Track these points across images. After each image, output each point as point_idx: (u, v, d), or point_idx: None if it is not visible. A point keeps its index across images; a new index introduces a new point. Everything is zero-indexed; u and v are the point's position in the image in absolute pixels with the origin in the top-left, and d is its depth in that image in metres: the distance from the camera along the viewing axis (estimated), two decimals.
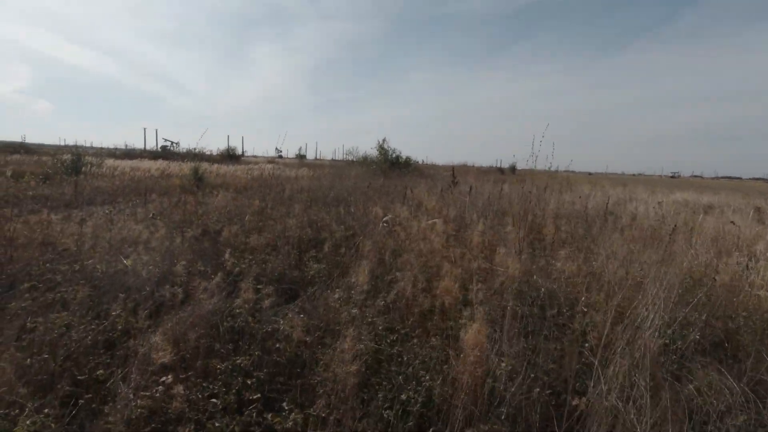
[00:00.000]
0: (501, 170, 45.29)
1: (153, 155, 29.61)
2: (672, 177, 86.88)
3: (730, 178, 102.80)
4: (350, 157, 28.16)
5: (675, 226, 5.20)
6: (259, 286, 3.87)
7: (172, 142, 51.50)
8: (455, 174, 24.24)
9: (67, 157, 13.10)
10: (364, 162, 24.37)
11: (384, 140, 23.66)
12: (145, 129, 58.91)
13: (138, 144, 51.12)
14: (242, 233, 5.66)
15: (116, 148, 38.81)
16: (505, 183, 22.34)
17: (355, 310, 3.62)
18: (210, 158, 32.51)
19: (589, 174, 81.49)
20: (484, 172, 41.59)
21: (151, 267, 3.72)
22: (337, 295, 3.96)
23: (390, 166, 22.53)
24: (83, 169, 13.02)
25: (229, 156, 38.13)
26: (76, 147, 15.54)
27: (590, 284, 3.62)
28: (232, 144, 45.62)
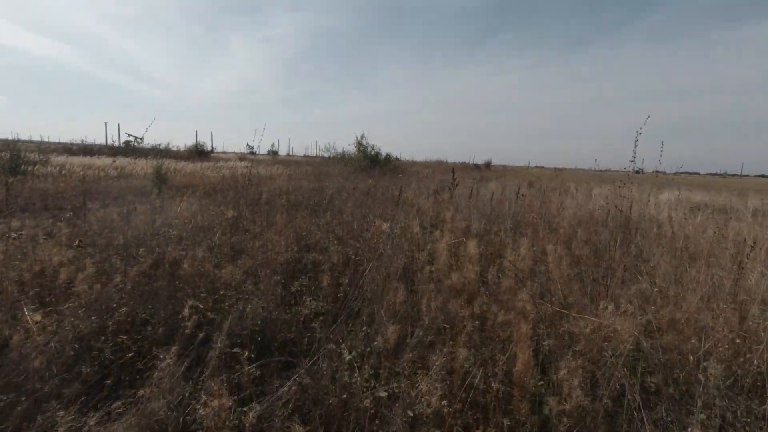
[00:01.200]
0: (477, 166, 44.74)
1: (114, 151, 27.21)
2: (636, 173, 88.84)
3: (689, 173, 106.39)
4: (327, 154, 26.71)
5: (754, 242, 4.21)
6: (235, 350, 2.61)
7: (136, 138, 48.38)
8: (437, 173, 23.12)
9: (4, 154, 11.21)
10: (343, 159, 22.99)
11: (363, 136, 22.37)
12: (106, 123, 55.27)
13: (100, 139, 47.77)
14: (211, 258, 4.32)
15: (72, 144, 35.82)
16: (490, 181, 21.49)
17: (382, 393, 2.41)
18: (176, 155, 30.37)
19: (559, 169, 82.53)
20: (461, 169, 41.01)
21: (56, 342, 2.36)
22: (349, 356, 2.75)
23: (370, 164, 21.26)
24: (23, 168, 11.17)
25: (198, 152, 35.88)
26: (17, 142, 13.53)
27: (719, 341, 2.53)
28: (202, 139, 43.22)
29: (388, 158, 22.66)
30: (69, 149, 28.98)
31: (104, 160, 17.58)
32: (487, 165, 47.28)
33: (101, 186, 10.65)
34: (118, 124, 51.36)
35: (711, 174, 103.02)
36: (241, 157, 34.05)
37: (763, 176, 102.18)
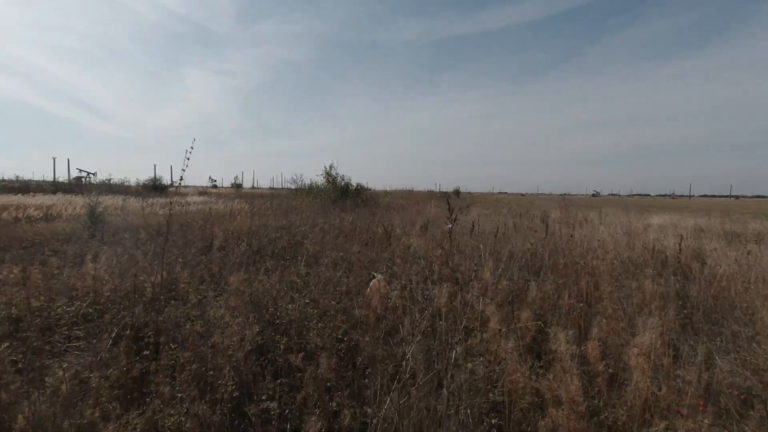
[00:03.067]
0: (446, 194, 44.03)
1: (56, 188, 24.36)
2: (593, 195, 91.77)
3: (640, 195, 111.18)
4: (294, 186, 24.95)
5: None
6: None
7: (88, 173, 44.94)
8: (411, 203, 21.73)
9: None
10: (311, 191, 21.29)
11: (332, 166, 20.84)
12: (54, 159, 51.44)
13: (49, 175, 43.91)
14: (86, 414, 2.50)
15: (11, 181, 32.39)
16: (467, 209, 20.31)
17: None
18: (127, 190, 27.74)
19: (522, 195, 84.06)
20: (429, 197, 40.05)
21: None
22: None
23: (340, 195, 19.67)
24: None
25: (154, 187, 33.26)
26: None
27: None
28: (160, 173, 40.40)
29: (360, 189, 21.15)
30: (6, 187, 25.84)
31: (36, 199, 15.14)
32: (456, 192, 46.71)
33: (13, 232, 8.49)
34: (68, 159, 47.72)
35: (660, 195, 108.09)
36: (202, 191, 31.66)
37: (706, 196, 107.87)
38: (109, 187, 26.99)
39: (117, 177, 34.48)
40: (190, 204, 15.73)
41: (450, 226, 6.22)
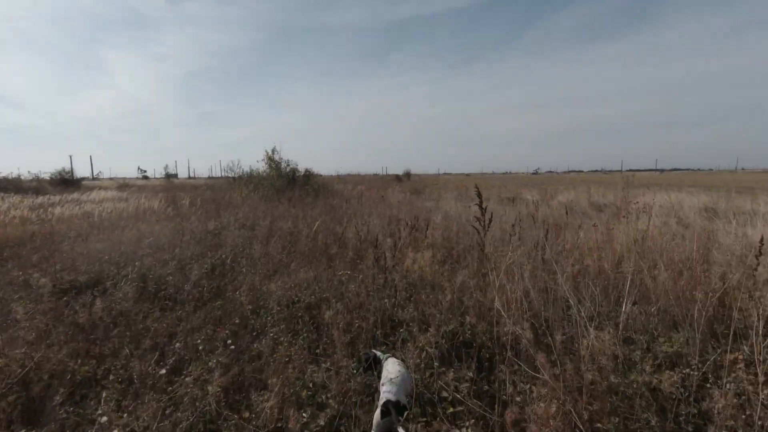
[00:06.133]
0: (398, 177, 41.61)
1: None
2: (534, 174, 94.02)
3: (575, 171, 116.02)
4: (231, 174, 21.15)
5: None
6: None
7: None
8: (372, 190, 19.04)
9: None
10: (251, 179, 17.74)
11: (274, 150, 17.42)
12: None
13: None
14: None
15: None
16: (422, 193, 17.86)
17: None
18: (25, 186, 22.44)
19: (467, 175, 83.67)
20: (380, 179, 37.34)
21: None
22: None
23: (286, 184, 16.38)
24: None
25: (63, 181, 27.77)
26: None
27: None
28: (77, 164, 34.39)
29: (309, 175, 17.95)
30: None
31: None
32: (408, 175, 44.46)
33: None
34: None
35: (592, 171, 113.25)
36: (122, 185, 26.76)
37: (632, 170, 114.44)
38: None
39: (28, 171, 28.42)
40: (86, 203, 11.82)
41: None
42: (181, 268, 4.82)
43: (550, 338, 2.54)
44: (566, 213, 7.48)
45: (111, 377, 2.46)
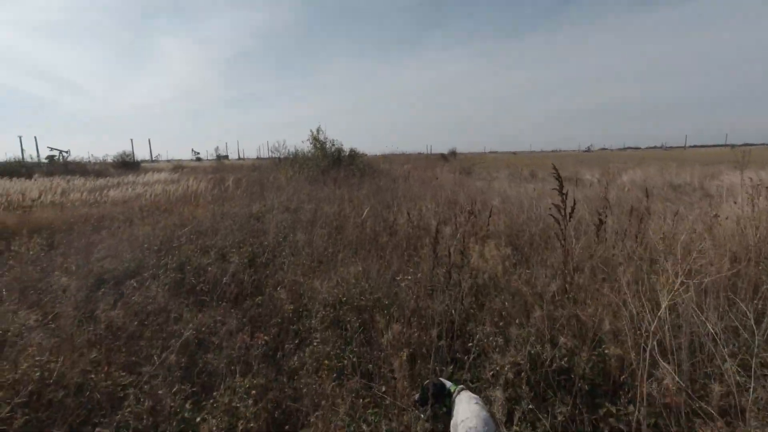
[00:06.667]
0: (444, 156, 40.33)
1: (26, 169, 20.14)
2: (586, 151, 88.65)
3: (632, 148, 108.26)
4: (277, 155, 21.15)
5: None
6: None
7: (60, 151, 40.43)
8: (418, 169, 18.27)
9: None
10: (296, 160, 17.54)
11: (318, 129, 17.04)
12: (21, 137, 46.53)
13: (14, 156, 39.16)
14: None
15: None
16: (470, 173, 16.89)
17: None
18: (91, 169, 23.66)
19: (514, 153, 79.81)
20: (425, 159, 36.20)
21: None
22: None
23: (331, 164, 16.01)
24: None
25: (124, 164, 29.12)
26: None
27: None
28: (137, 149, 36.17)
29: (354, 155, 17.48)
30: None
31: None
32: (453, 154, 43.04)
33: None
34: (35, 137, 42.91)
35: (650, 147, 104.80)
36: (176, 167, 27.68)
37: (697, 146, 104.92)
38: (65, 166, 22.97)
39: (91, 155, 30.26)
40: (138, 185, 12.04)
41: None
42: (221, 257, 4.48)
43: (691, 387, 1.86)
44: (646, 195, 6.47)
45: (130, 399, 2.07)
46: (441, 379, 2.05)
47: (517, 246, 4.56)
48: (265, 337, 2.79)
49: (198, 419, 1.92)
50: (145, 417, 1.91)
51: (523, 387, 2.03)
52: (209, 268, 4.08)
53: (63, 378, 2.25)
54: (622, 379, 2.08)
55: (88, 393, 2.18)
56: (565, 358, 2.09)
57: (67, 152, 40.45)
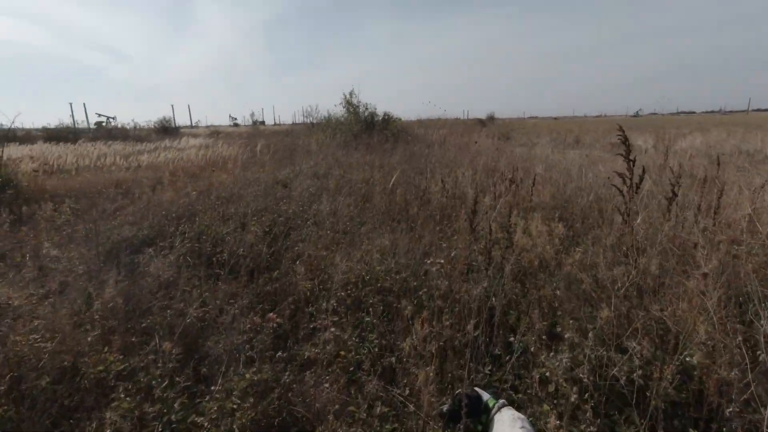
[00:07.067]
0: (481, 121, 38.63)
1: (49, 136, 21.02)
2: (634, 116, 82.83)
3: (685, 113, 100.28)
4: (310, 120, 20.79)
5: None
6: None
7: (107, 118, 41.93)
8: (454, 135, 17.40)
9: None
10: (328, 124, 17.10)
11: (352, 93, 16.42)
12: (71, 104, 48.53)
13: (70, 122, 41.00)
14: None
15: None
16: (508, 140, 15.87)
17: None
18: (131, 135, 24.26)
19: (555, 119, 75.34)
20: (462, 124, 34.69)
21: None
22: None
23: (364, 129, 15.47)
24: None
25: (164, 129, 29.72)
26: None
27: None
28: (178, 114, 36.92)
29: (388, 119, 16.81)
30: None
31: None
32: (491, 119, 41.17)
33: None
34: (84, 104, 44.64)
35: (707, 112, 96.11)
36: (212, 132, 28.00)
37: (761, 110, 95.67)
38: (109, 132, 23.64)
39: (134, 121, 31.17)
40: (172, 150, 12.04)
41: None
42: (241, 225, 4.22)
43: None
44: (717, 163, 5.61)
45: (120, 389, 1.81)
46: (477, 389, 1.65)
47: (564, 220, 4.01)
48: (278, 320, 2.49)
49: (189, 420, 1.64)
50: (128, 416, 1.65)
51: (583, 403, 1.60)
52: (227, 238, 3.82)
53: (54, 360, 2.03)
54: (710, 399, 1.61)
55: (78, 379, 1.95)
56: (639, 370, 1.64)
57: (113, 118, 41.85)
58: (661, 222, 3.09)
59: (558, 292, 2.26)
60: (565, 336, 1.95)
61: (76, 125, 35.93)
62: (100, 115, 42.27)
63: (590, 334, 1.80)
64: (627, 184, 2.94)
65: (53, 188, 6.82)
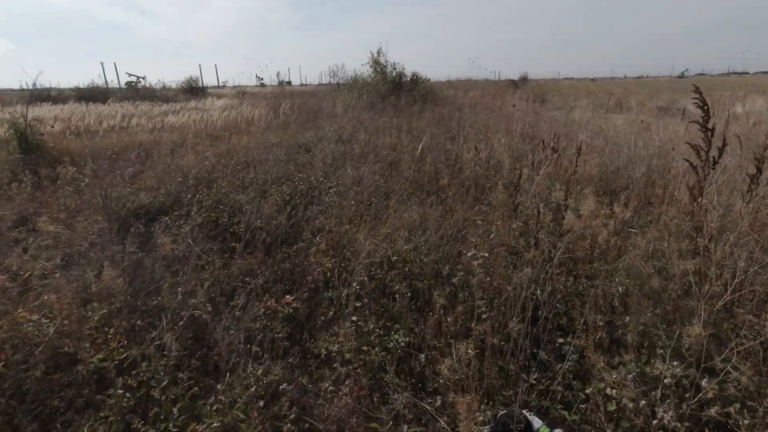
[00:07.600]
0: (514, 82, 36.66)
1: (81, 96, 21.18)
2: (680, 77, 77.09)
3: (737, 73, 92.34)
4: (336, 80, 20.12)
5: None
6: None
7: (137, 77, 42.13)
8: (486, 96, 16.52)
9: None
10: (354, 85, 16.45)
11: (379, 52, 15.62)
12: (102, 63, 48.77)
13: (101, 82, 41.50)
14: None
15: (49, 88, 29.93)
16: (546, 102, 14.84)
17: None
18: (158, 95, 24.22)
19: (592, 80, 70.81)
20: (494, 85, 32.97)
21: None
22: None
23: (391, 89, 14.79)
24: None
25: (191, 90, 29.56)
26: None
27: None
28: (205, 74, 36.69)
29: (416, 80, 16.01)
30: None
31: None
32: (524, 80, 38.99)
33: None
34: (114, 64, 44.83)
35: (763, 72, 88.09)
36: (239, 92, 27.62)
37: None
38: (137, 92, 23.67)
39: (162, 80, 31.18)
40: (196, 111, 11.81)
41: None
42: (261, 193, 3.96)
43: None
44: None
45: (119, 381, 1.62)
46: (526, 412, 1.36)
47: (615, 195, 3.56)
48: (294, 304, 2.24)
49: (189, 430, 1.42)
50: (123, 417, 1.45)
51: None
52: (245, 208, 3.58)
53: (53, 344, 1.86)
54: None
55: (75, 369, 1.77)
56: (736, 404, 1.30)
57: (143, 78, 41.95)
58: (736, 203, 2.63)
59: (620, 288, 1.90)
60: (630, 340, 1.61)
61: (107, 85, 36.24)
62: (130, 75, 42.41)
63: (668, 351, 1.46)
64: (702, 157, 2.48)
65: (78, 150, 6.74)
